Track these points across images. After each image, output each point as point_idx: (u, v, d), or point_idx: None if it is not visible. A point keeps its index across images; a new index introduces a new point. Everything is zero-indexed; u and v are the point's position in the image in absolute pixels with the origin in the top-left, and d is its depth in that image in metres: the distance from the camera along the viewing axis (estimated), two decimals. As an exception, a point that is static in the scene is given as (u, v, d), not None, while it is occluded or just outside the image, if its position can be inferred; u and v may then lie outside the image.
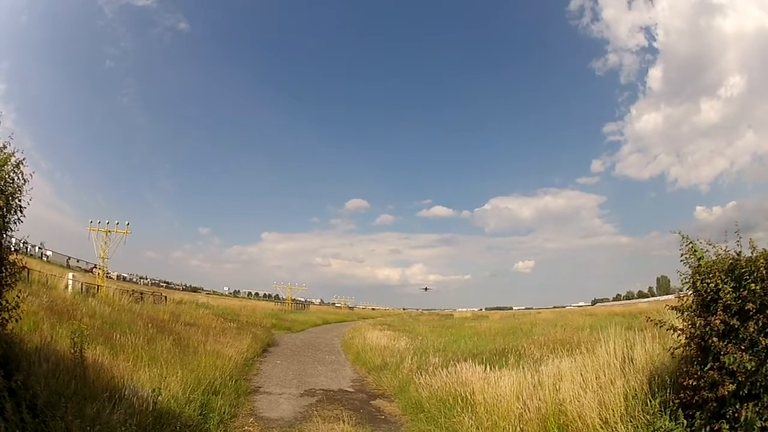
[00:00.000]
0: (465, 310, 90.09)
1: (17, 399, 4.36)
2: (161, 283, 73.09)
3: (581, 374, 6.31)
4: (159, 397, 6.20)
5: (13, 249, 5.04)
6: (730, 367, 4.03)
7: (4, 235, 4.71)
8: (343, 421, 7.26)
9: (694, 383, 4.34)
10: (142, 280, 69.46)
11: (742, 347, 4.06)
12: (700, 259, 4.70)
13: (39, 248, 43.83)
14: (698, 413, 4.37)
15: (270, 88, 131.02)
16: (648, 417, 4.95)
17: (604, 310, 36.00)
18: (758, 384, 3.96)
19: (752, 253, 4.31)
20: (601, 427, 5.29)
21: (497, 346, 12.92)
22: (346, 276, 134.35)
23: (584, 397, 5.71)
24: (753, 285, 4.08)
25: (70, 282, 19.49)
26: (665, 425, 4.65)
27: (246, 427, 7.24)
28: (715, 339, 4.20)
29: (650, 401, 5.02)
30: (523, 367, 7.84)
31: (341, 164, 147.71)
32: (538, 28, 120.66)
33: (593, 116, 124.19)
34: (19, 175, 4.81)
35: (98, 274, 29.27)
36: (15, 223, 4.82)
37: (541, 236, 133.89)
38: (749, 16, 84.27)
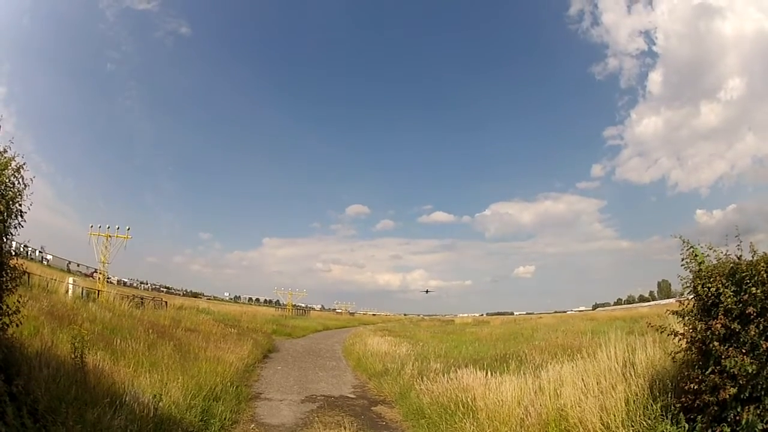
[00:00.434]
0: (466, 315, 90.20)
1: (18, 404, 4.36)
2: (162, 288, 72.97)
3: (582, 379, 6.29)
4: (160, 403, 6.21)
5: (13, 253, 5.03)
6: (732, 370, 4.03)
7: (5, 240, 4.70)
8: (344, 428, 7.23)
9: (696, 387, 4.34)
10: (142, 285, 69.49)
11: (743, 351, 4.06)
12: (701, 263, 4.69)
13: (39, 252, 43.87)
14: (700, 417, 4.36)
15: (270, 88, 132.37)
16: (649, 421, 4.94)
17: (605, 315, 35.89)
18: (759, 387, 3.96)
19: (753, 257, 4.32)
20: (603, 432, 5.27)
21: (498, 352, 12.88)
22: (346, 282, 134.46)
23: (586, 402, 5.70)
24: (754, 289, 4.09)
25: (71, 286, 19.47)
26: (667, 429, 4.64)
27: (247, 433, 7.21)
28: (716, 343, 4.20)
29: (651, 405, 5.01)
30: (524, 373, 7.83)
31: (341, 165, 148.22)
32: (538, 33, 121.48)
33: (593, 120, 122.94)
34: (20, 180, 4.79)
35: (99, 278, 29.17)
36: (15, 227, 4.80)
37: (542, 241, 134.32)
38: (748, 18, 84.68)
